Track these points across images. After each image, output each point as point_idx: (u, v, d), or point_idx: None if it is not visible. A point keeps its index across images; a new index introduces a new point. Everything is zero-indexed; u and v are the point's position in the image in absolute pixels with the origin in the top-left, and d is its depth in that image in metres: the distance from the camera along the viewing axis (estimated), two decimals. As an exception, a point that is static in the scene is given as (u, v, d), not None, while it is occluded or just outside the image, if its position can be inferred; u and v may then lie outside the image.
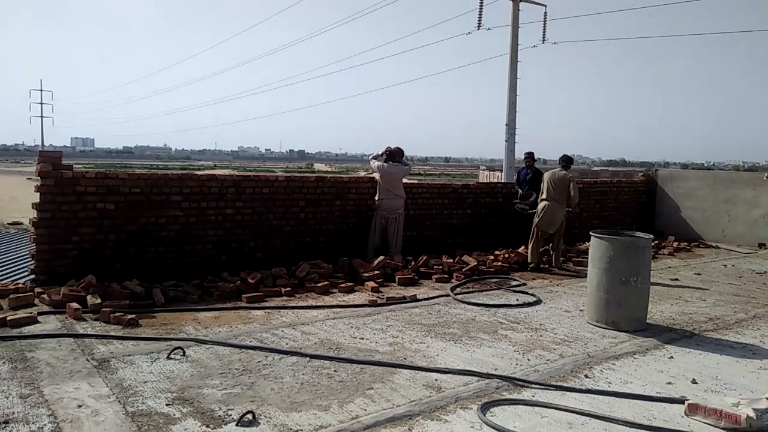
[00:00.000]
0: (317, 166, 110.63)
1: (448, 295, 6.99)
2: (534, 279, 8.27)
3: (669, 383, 4.38)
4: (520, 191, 10.35)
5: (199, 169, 60.75)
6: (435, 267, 8.22)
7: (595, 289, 5.84)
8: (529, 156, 10.50)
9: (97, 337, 5.02)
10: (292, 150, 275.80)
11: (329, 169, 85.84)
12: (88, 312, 5.65)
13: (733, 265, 9.94)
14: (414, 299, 6.74)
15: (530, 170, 10.32)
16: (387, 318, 5.94)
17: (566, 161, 9.33)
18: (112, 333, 5.14)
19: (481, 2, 19.49)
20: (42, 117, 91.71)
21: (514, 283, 7.90)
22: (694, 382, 4.42)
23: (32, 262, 6.61)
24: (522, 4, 19.13)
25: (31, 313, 5.52)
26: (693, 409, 3.77)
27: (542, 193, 9.10)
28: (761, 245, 11.85)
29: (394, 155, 8.88)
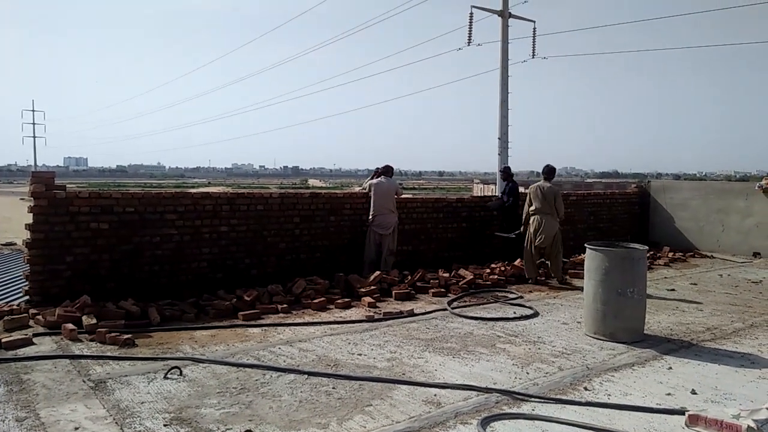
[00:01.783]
0: (312, 182, 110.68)
1: (445, 309, 6.97)
2: (531, 291, 8.26)
3: (668, 394, 4.37)
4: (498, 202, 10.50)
5: (193, 187, 60.65)
6: (431, 281, 8.21)
7: (592, 301, 5.85)
8: (506, 170, 10.83)
9: (93, 358, 4.98)
10: (287, 166, 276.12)
11: (324, 185, 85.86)
12: (84, 333, 5.60)
13: (729, 275, 9.97)
14: (411, 314, 6.72)
15: (509, 183, 10.45)
16: (384, 333, 5.92)
17: (548, 172, 9.09)
18: (108, 353, 5.09)
19: (471, 19, 19.65)
20: (35, 137, 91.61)
21: (511, 296, 7.89)
22: (693, 392, 4.41)
23: (26, 283, 6.56)
24: (511, 20, 19.31)
25: (26, 334, 5.47)
26: (693, 420, 3.76)
27: (530, 207, 8.96)
28: (756, 254, 11.91)
29: (384, 172, 8.95)
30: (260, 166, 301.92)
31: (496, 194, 11.09)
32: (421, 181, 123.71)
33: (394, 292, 7.63)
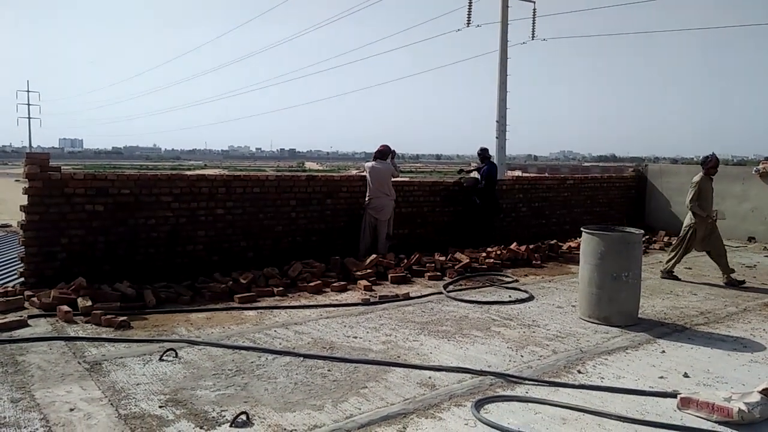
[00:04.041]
0: (308, 164, 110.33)
1: (440, 293, 6.99)
2: (526, 275, 8.29)
3: (661, 377, 4.40)
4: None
5: (189, 169, 60.40)
6: (427, 264, 8.22)
7: (587, 284, 5.87)
8: (483, 151, 10.42)
9: (88, 339, 4.98)
10: (283, 149, 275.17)
11: (320, 168, 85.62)
12: (79, 314, 5.61)
13: (723, 259, 9.99)
14: (407, 297, 6.74)
15: (485, 165, 10.24)
16: (380, 316, 5.94)
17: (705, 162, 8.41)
18: (104, 335, 5.10)
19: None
20: (29, 118, 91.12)
21: (506, 279, 7.91)
22: (686, 375, 4.44)
23: (21, 264, 6.54)
24: (511, 1, 19.14)
25: (22, 316, 5.47)
26: (685, 403, 3.80)
27: (706, 206, 8.16)
28: (751, 239, 11.95)
29: (381, 153, 8.88)
30: (257, 149, 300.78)
31: (473, 169, 10.82)
32: (418, 165, 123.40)
33: (390, 275, 7.64)
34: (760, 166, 12.06)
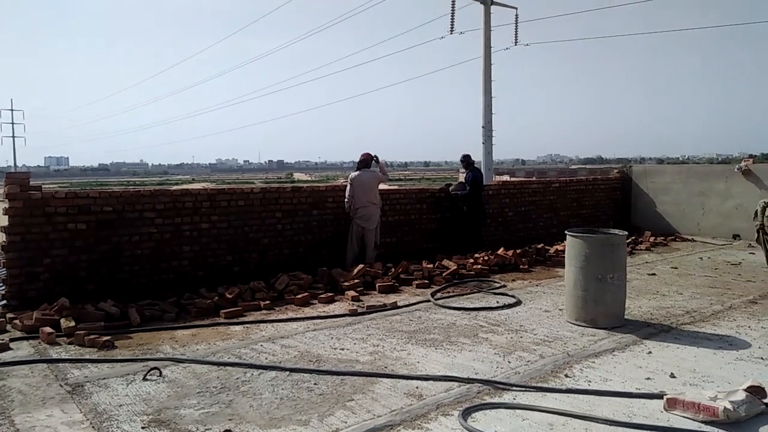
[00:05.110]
0: (297, 175, 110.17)
1: (428, 301, 6.97)
2: (514, 280, 8.29)
3: (648, 378, 4.40)
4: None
5: (176, 184, 60.10)
6: (415, 273, 8.21)
7: (573, 287, 5.88)
8: (466, 158, 10.44)
9: (70, 361, 4.91)
10: (271, 160, 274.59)
11: (309, 179, 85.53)
12: (62, 336, 5.53)
13: (709, 258, 10.08)
14: (394, 306, 6.71)
15: (470, 172, 10.24)
16: (367, 327, 5.91)
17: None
18: (87, 356, 5.03)
19: (453, 7, 19.61)
20: (14, 137, 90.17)
21: (494, 285, 7.91)
22: (672, 376, 4.45)
23: (3, 287, 6.46)
24: (493, 8, 19.29)
25: (3, 339, 5.38)
26: (672, 404, 3.80)
27: None
28: (735, 236, 12.05)
29: (364, 162, 8.88)
30: (244, 161, 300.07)
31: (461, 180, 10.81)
32: (407, 172, 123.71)
33: (377, 284, 7.61)
34: (743, 164, 12.18)
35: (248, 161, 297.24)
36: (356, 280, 7.60)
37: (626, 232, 6.16)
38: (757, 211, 8.62)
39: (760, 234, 8.56)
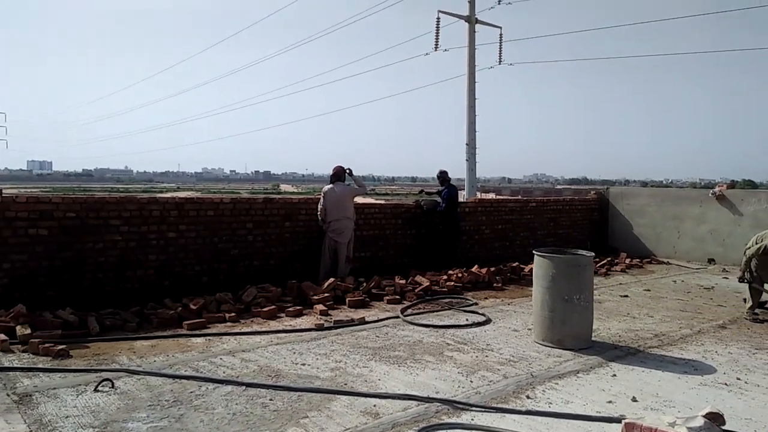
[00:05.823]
0: (284, 186, 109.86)
1: (397, 317, 6.89)
2: (486, 298, 8.24)
3: (610, 402, 4.35)
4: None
5: (161, 192, 59.56)
6: (387, 288, 8.12)
7: (540, 307, 5.83)
8: (442, 174, 10.42)
9: (21, 370, 4.76)
10: (258, 171, 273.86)
11: (295, 190, 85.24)
12: (17, 343, 5.37)
13: (683, 281, 10.11)
14: (362, 322, 6.61)
15: (446, 188, 10.25)
16: (332, 342, 5.81)
17: None
18: (40, 365, 4.88)
19: (438, 24, 19.74)
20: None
21: (466, 302, 7.84)
22: (634, 400, 4.40)
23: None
24: (478, 26, 19.45)
25: (-46, 346, 5.21)
26: (630, 428, 3.73)
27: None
28: (711, 260, 12.13)
29: (337, 176, 8.81)
30: (231, 171, 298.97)
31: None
32: (394, 187, 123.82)
33: (348, 299, 7.52)
34: (717, 189, 12.31)
35: (234, 171, 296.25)
36: (326, 294, 7.50)
37: (593, 254, 6.13)
38: (758, 247, 7.28)
39: (748, 267, 7.38)
